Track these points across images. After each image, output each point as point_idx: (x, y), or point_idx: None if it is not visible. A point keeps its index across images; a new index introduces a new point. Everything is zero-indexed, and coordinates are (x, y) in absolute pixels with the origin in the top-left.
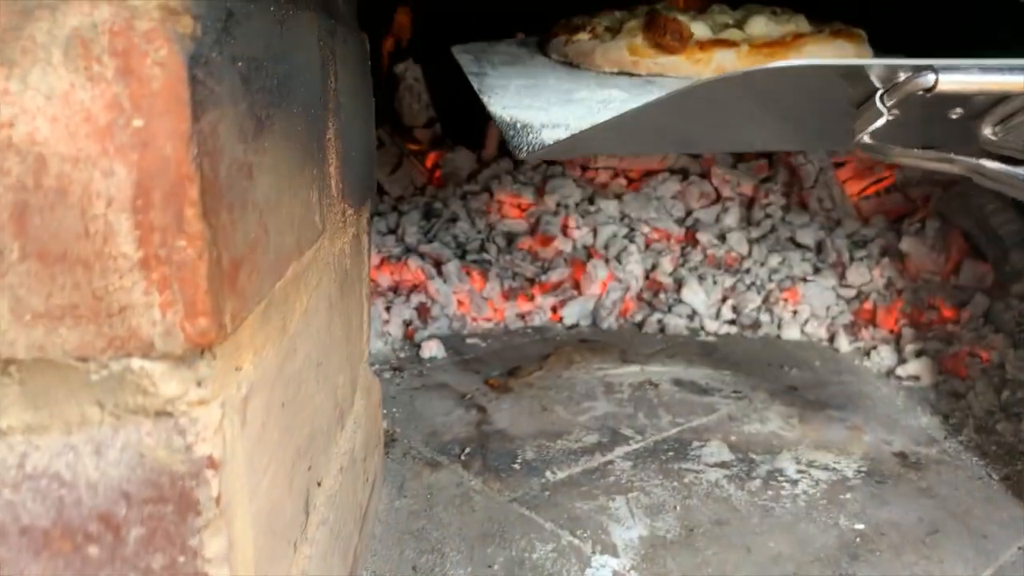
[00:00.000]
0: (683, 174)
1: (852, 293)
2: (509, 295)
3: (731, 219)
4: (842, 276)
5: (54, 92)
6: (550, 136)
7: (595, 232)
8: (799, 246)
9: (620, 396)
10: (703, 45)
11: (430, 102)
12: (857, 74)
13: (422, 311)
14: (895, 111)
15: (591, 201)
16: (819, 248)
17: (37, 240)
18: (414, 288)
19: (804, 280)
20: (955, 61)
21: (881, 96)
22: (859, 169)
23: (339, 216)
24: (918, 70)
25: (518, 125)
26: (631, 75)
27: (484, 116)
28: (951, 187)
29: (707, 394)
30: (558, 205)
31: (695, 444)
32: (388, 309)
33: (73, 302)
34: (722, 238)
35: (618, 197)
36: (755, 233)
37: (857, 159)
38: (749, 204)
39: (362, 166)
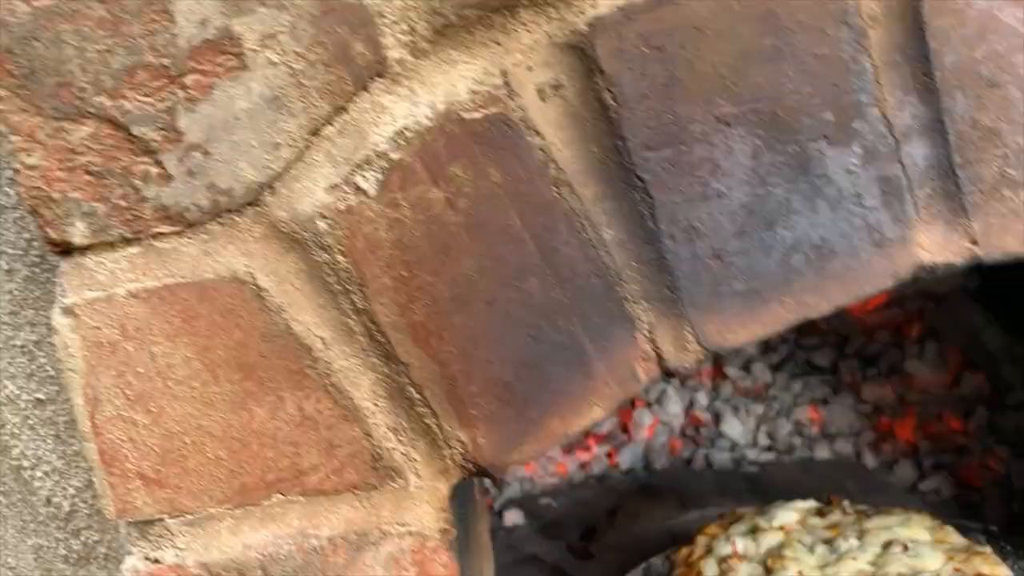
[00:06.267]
0: None
1: (868, 409)
2: (569, 449)
3: (751, 347)
4: (858, 394)
5: None
6: None
7: None
8: (815, 368)
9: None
10: None
11: None
12: None
13: None
14: None
15: None
16: (834, 368)
17: None
18: None
19: (825, 402)
20: None
21: None
22: None
23: None
24: None
25: None
26: None
27: None
28: (941, 302)
29: None
30: None
31: None
32: None
33: None
34: (746, 368)
35: None
36: (775, 359)
37: None
38: None
39: None
